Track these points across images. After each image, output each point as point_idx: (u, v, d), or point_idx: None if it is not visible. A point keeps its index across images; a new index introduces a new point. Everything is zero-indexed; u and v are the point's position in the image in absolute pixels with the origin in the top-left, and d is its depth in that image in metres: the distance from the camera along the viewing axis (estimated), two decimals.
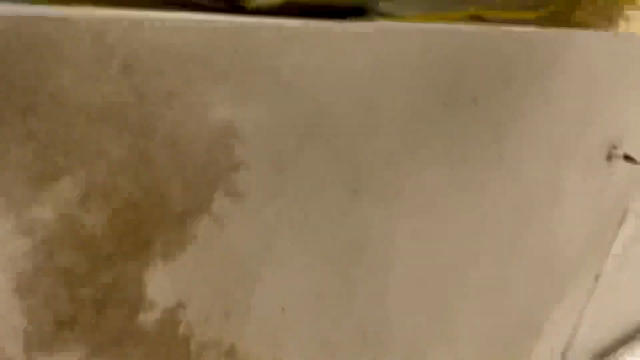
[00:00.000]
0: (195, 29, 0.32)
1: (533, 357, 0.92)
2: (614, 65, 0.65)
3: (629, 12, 0.49)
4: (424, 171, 0.54)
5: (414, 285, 0.61)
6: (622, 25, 0.49)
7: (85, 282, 0.37)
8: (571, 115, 0.67)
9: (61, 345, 0.37)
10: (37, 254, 0.34)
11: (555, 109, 0.63)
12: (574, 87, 0.63)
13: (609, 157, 0.82)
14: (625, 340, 1.25)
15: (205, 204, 0.40)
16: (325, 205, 0.48)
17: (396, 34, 0.37)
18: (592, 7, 0.52)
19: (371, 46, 0.40)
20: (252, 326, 0.47)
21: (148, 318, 0.41)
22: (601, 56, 0.61)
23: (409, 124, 0.50)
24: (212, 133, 0.38)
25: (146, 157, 0.36)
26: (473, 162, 0.59)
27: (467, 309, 0.71)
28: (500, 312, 0.77)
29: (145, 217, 0.38)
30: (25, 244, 0.33)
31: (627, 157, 0.82)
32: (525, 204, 0.71)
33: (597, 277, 1.00)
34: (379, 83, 0.45)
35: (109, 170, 0.34)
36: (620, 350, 1.21)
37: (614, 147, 0.82)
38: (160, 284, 0.41)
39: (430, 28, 0.37)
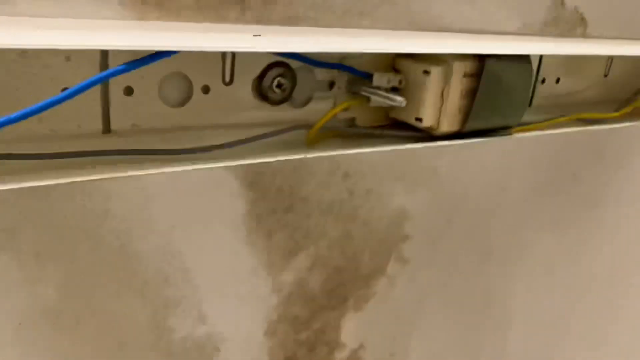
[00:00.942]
0: (386, 151, 0.46)
1: None
2: None
3: None
4: (537, 238, 0.66)
5: (530, 332, 0.72)
6: None
7: (305, 328, 0.50)
8: None
9: None
10: (280, 306, 0.48)
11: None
12: None
13: None
14: None
15: (383, 268, 0.54)
16: (463, 267, 0.60)
17: (522, 139, 0.50)
18: None
19: (503, 149, 0.54)
20: None
21: (340, 356, 0.54)
22: None
23: (526, 201, 0.62)
24: (391, 215, 0.52)
25: (350, 235, 0.50)
26: (574, 227, 0.70)
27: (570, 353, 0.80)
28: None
29: (346, 279, 0.51)
30: (275, 299, 0.47)
31: None
32: (621, 263, 0.81)
33: None
34: (507, 171, 0.58)
35: (328, 246, 0.49)
36: None
37: None
38: (350, 330, 0.54)
39: (542, 134, 0.51)
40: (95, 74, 0.33)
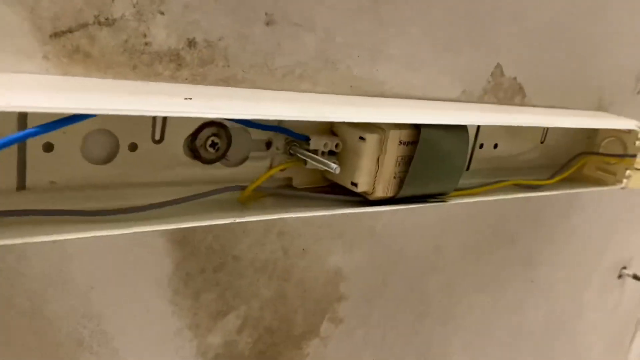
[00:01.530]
0: (321, 216, 0.46)
1: None
2: (622, 210, 0.79)
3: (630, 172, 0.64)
4: (473, 296, 0.67)
5: None
6: (625, 182, 0.64)
7: None
8: (589, 245, 0.80)
9: None
10: None
11: (576, 241, 0.76)
12: (590, 226, 0.77)
13: (620, 276, 0.94)
14: None
15: (316, 328, 0.53)
16: (398, 326, 0.60)
17: (457, 204, 0.51)
18: (599, 167, 0.66)
19: (438, 213, 0.54)
20: None
21: None
22: (611, 203, 0.76)
23: (462, 260, 0.63)
24: (327, 275, 0.51)
25: (283, 295, 0.48)
26: (511, 287, 0.71)
27: None
28: None
29: (277, 340, 0.50)
30: None
31: (636, 277, 0.94)
32: (554, 319, 0.82)
33: None
34: (443, 232, 0.58)
35: (259, 306, 0.47)
36: None
37: (624, 268, 0.94)
38: None
39: (480, 199, 0.51)
40: (11, 127, 0.31)
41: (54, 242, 0.34)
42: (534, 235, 0.70)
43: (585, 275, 0.84)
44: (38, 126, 0.27)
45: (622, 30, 0.67)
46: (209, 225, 0.34)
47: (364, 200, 0.45)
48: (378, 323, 0.58)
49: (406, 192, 0.44)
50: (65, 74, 0.32)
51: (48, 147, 0.33)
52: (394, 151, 0.43)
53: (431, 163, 0.44)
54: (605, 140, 0.68)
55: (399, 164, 0.44)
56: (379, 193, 0.44)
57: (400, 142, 0.43)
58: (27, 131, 0.26)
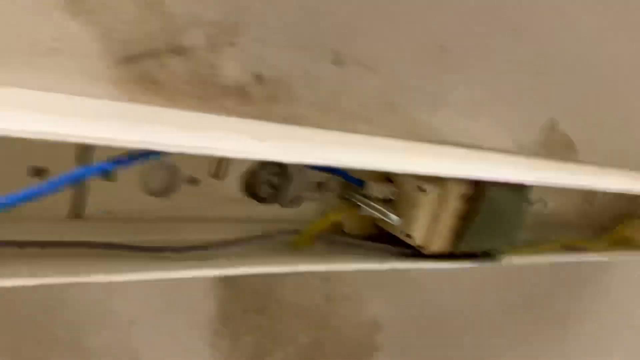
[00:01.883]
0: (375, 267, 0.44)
1: None
2: None
3: None
4: (507, 354, 0.64)
5: None
6: None
7: None
8: (623, 311, 0.77)
9: None
10: None
11: (612, 307, 0.74)
12: (627, 292, 0.74)
13: None
14: None
15: None
16: None
17: (505, 267, 0.49)
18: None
19: (487, 272, 0.52)
20: None
21: None
22: None
23: (499, 319, 0.60)
24: (365, 324, 0.49)
25: (320, 343, 0.46)
26: (543, 349, 0.69)
27: None
28: None
29: None
30: None
31: None
32: None
33: None
34: (484, 289, 0.56)
35: (296, 353, 0.45)
36: None
37: None
38: None
39: (527, 262, 0.49)
40: (73, 154, 0.30)
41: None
42: (571, 297, 0.68)
43: (616, 344, 0.81)
44: (116, 160, 0.26)
45: None
46: (264, 272, 0.33)
47: (416, 252, 0.43)
48: None
49: (464, 248, 0.42)
50: (131, 100, 0.31)
51: (104, 170, 0.31)
52: (453, 204, 0.41)
53: (493, 220, 0.43)
54: None
55: (457, 218, 0.42)
56: (435, 247, 0.42)
57: (461, 195, 0.41)
58: (97, 167, 0.25)
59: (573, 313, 0.71)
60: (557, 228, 0.59)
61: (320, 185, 0.41)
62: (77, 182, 0.29)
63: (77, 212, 0.31)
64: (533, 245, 0.54)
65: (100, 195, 0.32)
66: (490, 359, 0.62)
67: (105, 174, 0.26)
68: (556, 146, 0.56)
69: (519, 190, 0.43)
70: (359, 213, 0.41)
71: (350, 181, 0.41)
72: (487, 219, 0.42)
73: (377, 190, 0.41)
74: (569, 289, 0.66)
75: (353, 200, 0.41)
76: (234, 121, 0.35)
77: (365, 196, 0.41)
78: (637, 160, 0.66)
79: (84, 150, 0.30)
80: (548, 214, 0.58)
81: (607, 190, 0.58)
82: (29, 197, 0.25)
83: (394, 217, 0.37)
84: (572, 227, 0.60)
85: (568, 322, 0.70)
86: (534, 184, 0.44)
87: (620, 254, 0.60)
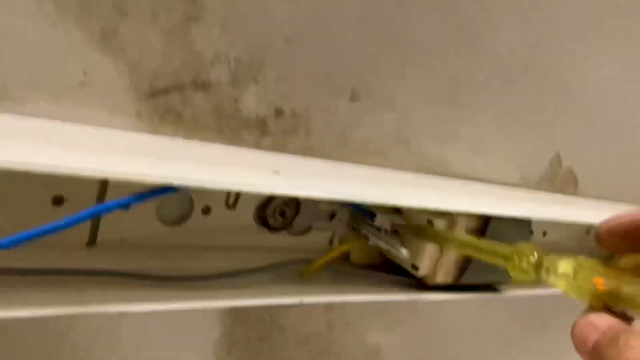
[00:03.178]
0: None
1: None
2: None
3: None
4: None
5: None
6: None
7: None
8: None
9: None
10: None
11: None
12: None
13: None
14: None
15: None
16: None
17: (504, 297, 0.49)
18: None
19: (486, 303, 0.53)
20: None
21: None
22: None
23: (496, 347, 0.61)
24: (365, 352, 0.49)
25: None
26: None
27: None
28: None
29: None
30: None
31: None
32: None
33: None
34: (483, 318, 0.57)
35: None
36: None
37: None
38: None
39: (525, 294, 0.50)
40: (95, 184, 0.30)
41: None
42: (564, 325, 0.68)
43: None
44: (138, 195, 0.26)
45: None
46: (273, 304, 0.33)
47: (419, 282, 0.43)
48: None
49: (467, 280, 0.43)
50: (154, 132, 0.31)
51: (125, 205, 0.31)
52: None
53: None
54: None
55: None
56: (439, 279, 0.42)
57: (467, 228, 0.42)
58: (128, 199, 0.25)
59: (562, 341, 0.71)
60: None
61: (330, 216, 0.41)
62: (97, 217, 0.29)
63: (92, 240, 0.31)
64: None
65: (114, 223, 0.32)
66: None
67: (124, 208, 0.26)
68: (561, 181, 0.57)
69: (522, 223, 0.44)
70: (367, 243, 0.41)
71: (360, 212, 0.41)
72: None
73: (387, 222, 0.41)
74: (568, 319, 0.67)
75: (362, 231, 0.41)
76: (252, 153, 0.35)
77: (374, 227, 0.41)
78: (637, 194, 0.67)
79: (103, 184, 0.30)
80: (547, 245, 0.58)
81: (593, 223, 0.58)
82: (50, 231, 0.25)
83: (404, 251, 0.38)
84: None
85: (562, 351, 0.71)
86: (539, 219, 0.45)
87: None
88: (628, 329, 0.24)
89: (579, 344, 0.26)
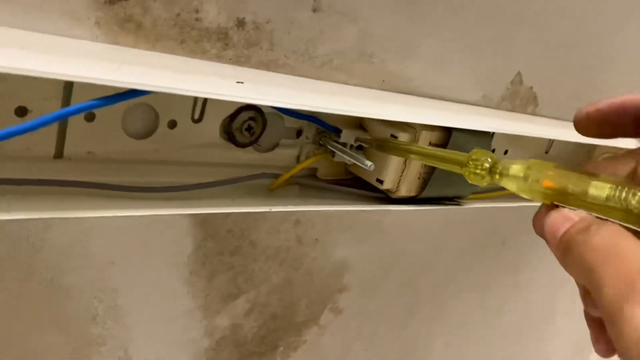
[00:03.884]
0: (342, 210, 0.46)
1: None
2: None
3: None
4: (460, 297, 0.68)
5: None
6: None
7: None
8: None
9: None
10: (210, 350, 0.46)
11: None
12: None
13: None
14: None
15: (316, 317, 0.53)
16: (390, 320, 0.61)
17: (463, 210, 0.52)
18: None
19: (446, 216, 0.55)
20: None
21: None
22: None
23: (457, 262, 0.64)
24: (333, 265, 0.51)
25: (291, 283, 0.48)
26: (495, 289, 0.73)
27: None
28: None
29: (280, 326, 0.50)
30: (206, 343, 0.45)
31: None
32: (527, 323, 0.85)
33: None
34: (444, 233, 0.59)
35: (268, 292, 0.47)
36: None
37: None
38: None
39: (482, 206, 0.52)
40: (58, 93, 0.30)
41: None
42: (523, 241, 0.72)
43: (561, 283, 0.87)
44: (101, 99, 0.26)
45: (629, 49, 0.69)
46: (244, 212, 0.34)
47: (385, 196, 0.45)
48: (372, 315, 0.58)
49: (429, 193, 0.44)
50: (114, 43, 0.31)
51: (90, 117, 0.32)
52: None
53: None
54: (602, 157, 0.70)
55: (425, 165, 0.44)
56: (403, 192, 0.44)
57: (430, 143, 0.43)
58: (90, 103, 0.25)
59: (526, 258, 0.75)
60: None
61: (297, 132, 0.42)
62: (61, 120, 0.29)
63: (59, 153, 0.31)
64: (490, 193, 0.57)
65: (81, 136, 0.32)
66: (448, 298, 0.66)
67: (91, 109, 0.26)
68: (521, 100, 0.59)
69: (482, 137, 0.46)
70: (333, 159, 0.42)
71: (326, 128, 0.42)
72: None
73: (352, 137, 0.42)
74: (524, 235, 0.70)
75: (328, 146, 0.42)
76: (215, 65, 0.35)
77: (340, 143, 0.42)
78: None
79: (66, 92, 0.30)
80: None
81: (563, 139, 0.61)
82: (11, 135, 0.25)
83: (367, 162, 0.39)
84: None
85: (520, 267, 0.75)
86: (498, 131, 0.46)
87: None
88: (600, 221, 0.25)
89: (549, 234, 0.27)
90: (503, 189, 0.57)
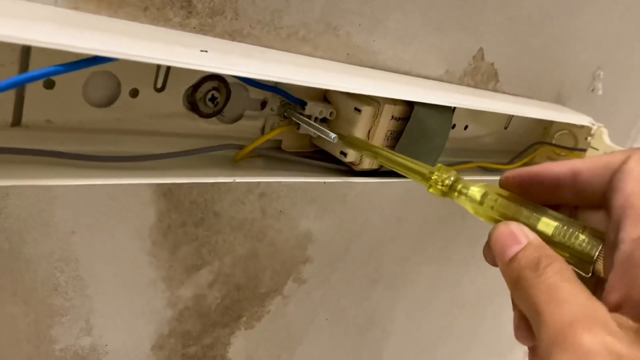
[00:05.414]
0: (310, 182, 0.46)
1: None
2: None
3: None
4: (421, 268, 0.70)
5: (404, 353, 0.76)
6: None
7: (194, 343, 0.49)
8: None
9: None
10: (173, 321, 0.46)
11: None
12: None
13: None
14: None
15: (280, 287, 0.54)
16: (353, 290, 0.62)
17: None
18: (549, 157, 0.70)
19: (408, 187, 0.56)
20: None
21: None
22: None
23: (418, 234, 0.65)
24: (297, 237, 0.52)
25: (256, 254, 0.49)
26: (455, 261, 0.75)
27: None
28: None
29: (243, 296, 0.50)
30: (170, 313, 0.45)
31: None
32: (485, 293, 0.88)
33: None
34: (406, 206, 0.60)
35: (232, 263, 0.47)
36: None
37: None
38: (238, 347, 0.53)
39: None
40: (14, 58, 0.29)
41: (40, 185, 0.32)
42: None
43: None
44: (63, 65, 0.25)
45: (587, 30, 0.71)
46: (207, 182, 0.34)
47: (348, 169, 0.45)
48: (335, 286, 0.60)
49: None
50: (75, 8, 0.30)
51: (49, 84, 0.31)
52: (385, 125, 0.44)
53: (418, 140, 0.46)
54: (559, 133, 0.72)
55: (388, 138, 0.45)
56: (366, 165, 0.45)
57: (392, 117, 0.44)
58: (52, 68, 0.25)
59: (485, 232, 0.78)
60: (476, 152, 0.63)
61: (261, 104, 0.42)
62: (20, 86, 0.28)
63: (16, 120, 0.31)
64: (454, 166, 0.58)
65: (39, 103, 0.31)
66: (409, 269, 0.68)
67: (54, 75, 0.26)
68: (482, 76, 0.60)
69: (443, 112, 0.47)
70: (298, 131, 0.43)
71: (291, 100, 0.42)
72: (413, 138, 0.45)
73: (316, 110, 0.42)
74: None
75: (293, 118, 0.42)
76: (178, 34, 0.34)
77: (305, 115, 0.42)
78: (548, 94, 0.71)
79: (23, 58, 0.29)
80: (468, 139, 0.62)
81: (521, 115, 0.62)
82: None
83: (332, 134, 0.39)
84: (488, 152, 0.65)
85: (478, 240, 0.77)
86: (459, 106, 0.47)
87: None
88: (548, 257, 0.26)
89: (497, 250, 0.28)
90: (469, 162, 0.59)
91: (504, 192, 0.32)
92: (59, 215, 0.35)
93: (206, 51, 0.32)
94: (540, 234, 0.29)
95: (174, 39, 0.33)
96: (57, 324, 0.39)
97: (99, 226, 0.38)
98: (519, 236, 0.28)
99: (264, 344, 0.55)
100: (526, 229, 0.28)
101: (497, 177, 0.59)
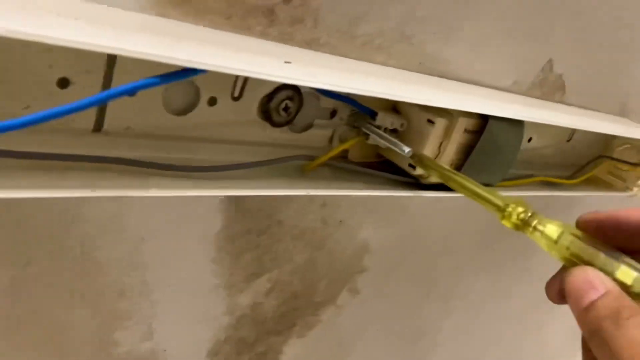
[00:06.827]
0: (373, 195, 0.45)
1: None
2: None
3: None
4: (472, 280, 0.68)
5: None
6: (635, 190, 0.66)
7: (248, 350, 0.48)
8: None
9: None
10: (230, 328, 0.46)
11: None
12: None
13: None
14: None
15: (334, 297, 0.53)
16: (405, 301, 0.61)
17: None
18: (610, 172, 0.68)
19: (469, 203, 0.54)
20: None
21: None
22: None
23: (472, 247, 0.64)
24: (355, 247, 0.51)
25: (314, 263, 0.48)
26: (507, 274, 0.73)
27: None
28: None
29: (299, 305, 0.50)
30: (227, 320, 0.45)
31: None
32: (531, 308, 0.85)
33: None
34: (462, 218, 0.59)
35: (291, 271, 0.47)
36: None
37: None
38: (289, 356, 0.52)
39: (514, 194, 0.52)
40: (101, 66, 0.29)
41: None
42: None
43: None
44: (158, 76, 0.25)
45: None
46: (281, 195, 0.33)
47: (414, 182, 0.44)
48: (388, 297, 0.59)
49: None
50: (161, 15, 0.30)
51: (131, 92, 0.30)
52: (457, 138, 0.42)
53: (489, 154, 0.44)
54: (622, 147, 0.70)
55: (459, 152, 0.43)
56: (434, 178, 0.43)
57: (465, 130, 0.42)
58: (149, 80, 0.24)
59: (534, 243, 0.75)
60: (537, 165, 0.61)
61: (331, 113, 0.41)
62: (105, 102, 0.28)
63: (98, 127, 0.30)
64: (516, 180, 0.56)
65: (121, 110, 0.31)
66: (461, 282, 0.66)
67: (150, 87, 0.25)
68: (550, 88, 0.58)
69: (516, 126, 0.45)
70: (367, 142, 0.42)
71: (361, 110, 0.41)
72: (485, 152, 0.43)
73: (387, 120, 0.41)
74: None
75: (364, 129, 0.41)
76: (258, 42, 0.34)
77: (374, 126, 0.41)
78: (612, 106, 0.69)
79: (109, 65, 0.29)
80: (531, 150, 0.60)
81: (588, 130, 0.60)
82: (58, 114, 0.24)
83: (405, 148, 0.38)
84: (549, 165, 0.63)
85: (531, 253, 0.75)
86: (532, 120, 0.45)
87: (590, 192, 0.64)
88: (629, 309, 0.25)
89: (572, 297, 0.27)
90: (531, 176, 0.57)
91: (580, 233, 0.31)
92: (131, 221, 0.35)
93: (290, 62, 0.31)
94: (619, 283, 0.27)
95: (257, 48, 0.32)
96: (120, 328, 0.39)
97: (168, 233, 0.37)
98: (596, 283, 0.27)
99: (314, 354, 0.54)
100: (603, 276, 0.27)
101: (559, 193, 0.58)
